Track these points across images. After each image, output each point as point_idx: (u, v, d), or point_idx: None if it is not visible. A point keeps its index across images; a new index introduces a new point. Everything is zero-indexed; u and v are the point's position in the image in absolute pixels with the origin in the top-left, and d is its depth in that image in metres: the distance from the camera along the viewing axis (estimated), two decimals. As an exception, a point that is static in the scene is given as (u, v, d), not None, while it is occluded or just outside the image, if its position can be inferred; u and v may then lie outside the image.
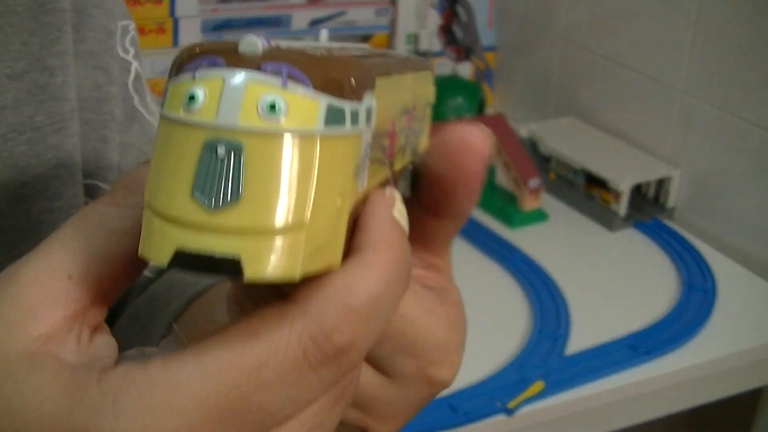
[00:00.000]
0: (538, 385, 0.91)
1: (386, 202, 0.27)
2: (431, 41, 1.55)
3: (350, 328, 0.24)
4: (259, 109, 0.23)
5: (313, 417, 0.26)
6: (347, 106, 0.25)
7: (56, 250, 0.26)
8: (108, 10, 0.54)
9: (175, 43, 1.35)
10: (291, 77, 0.24)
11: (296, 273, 0.23)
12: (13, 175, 0.46)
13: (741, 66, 1.15)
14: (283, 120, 0.23)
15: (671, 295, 1.08)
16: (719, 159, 1.20)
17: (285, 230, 0.23)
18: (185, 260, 0.23)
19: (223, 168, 0.23)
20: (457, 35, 1.57)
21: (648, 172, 1.25)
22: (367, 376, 0.34)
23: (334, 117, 0.24)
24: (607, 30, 1.35)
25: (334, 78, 0.25)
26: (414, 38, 1.54)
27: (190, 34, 1.36)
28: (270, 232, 0.23)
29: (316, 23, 1.45)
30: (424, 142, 0.37)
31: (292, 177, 0.23)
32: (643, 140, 1.31)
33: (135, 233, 0.25)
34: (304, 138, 0.24)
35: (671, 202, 1.26)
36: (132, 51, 0.56)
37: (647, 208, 1.26)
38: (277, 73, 0.24)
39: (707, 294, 1.08)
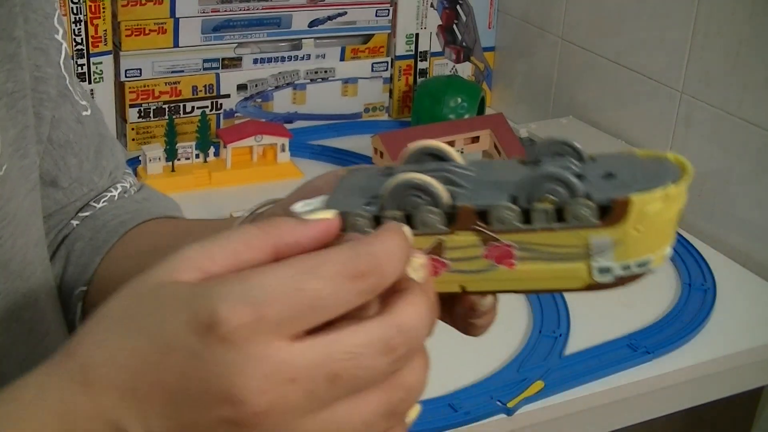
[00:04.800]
0: (537, 385, 0.91)
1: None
2: (431, 41, 1.55)
3: (375, 259, 0.36)
4: None
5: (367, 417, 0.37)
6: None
7: (212, 241, 0.37)
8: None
9: (176, 43, 1.36)
10: None
11: None
12: None
13: (741, 66, 1.15)
14: None
15: (671, 295, 1.08)
16: (719, 159, 1.20)
17: None
18: None
19: None
20: (457, 35, 1.57)
21: (648, 172, 1.25)
22: None
23: None
24: (607, 30, 1.36)
25: None
26: (414, 38, 1.54)
27: (191, 34, 1.36)
28: None
29: (316, 23, 1.45)
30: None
31: None
32: (643, 140, 1.31)
33: (262, 254, 0.37)
34: None
35: (671, 202, 1.25)
36: (61, 31, 0.60)
37: (647, 208, 1.25)
38: None
39: (707, 294, 1.08)
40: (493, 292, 0.44)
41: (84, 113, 0.64)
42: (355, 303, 0.35)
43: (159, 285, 0.36)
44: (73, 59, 1.30)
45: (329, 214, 0.39)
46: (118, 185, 0.68)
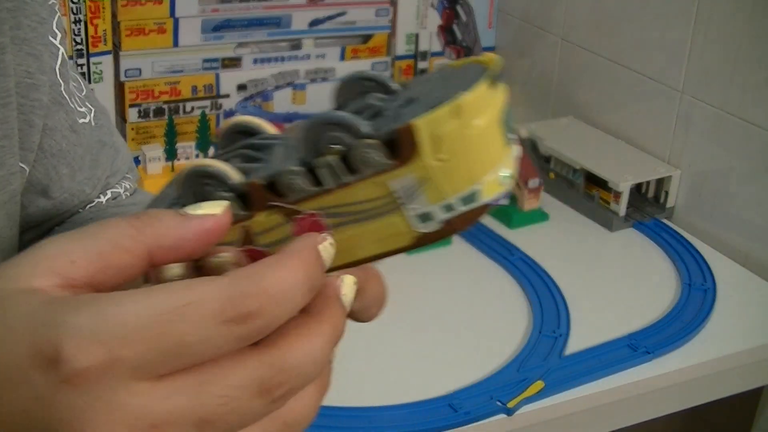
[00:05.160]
0: (537, 385, 0.91)
1: (318, 237, 0.34)
2: (431, 41, 1.55)
3: (258, 301, 0.31)
4: None
5: None
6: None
7: (75, 240, 0.32)
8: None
9: (176, 43, 1.35)
10: None
11: None
12: None
13: (741, 66, 1.15)
14: None
15: (671, 295, 1.08)
16: (719, 159, 1.20)
17: None
18: None
19: None
20: (457, 35, 1.57)
21: (648, 172, 1.25)
22: None
23: None
24: (607, 30, 1.36)
25: None
26: (414, 38, 1.54)
27: (191, 34, 1.36)
28: None
29: (316, 23, 1.45)
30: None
31: None
32: (643, 140, 1.31)
33: (134, 258, 0.32)
34: None
35: (671, 202, 1.26)
36: (59, 35, 0.57)
37: (647, 208, 1.26)
38: None
39: (707, 294, 1.08)
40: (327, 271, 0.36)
41: (81, 120, 0.61)
42: (232, 348, 0.31)
43: (10, 293, 0.31)
44: (72, 59, 1.30)
45: (218, 208, 0.34)
46: (109, 192, 0.65)
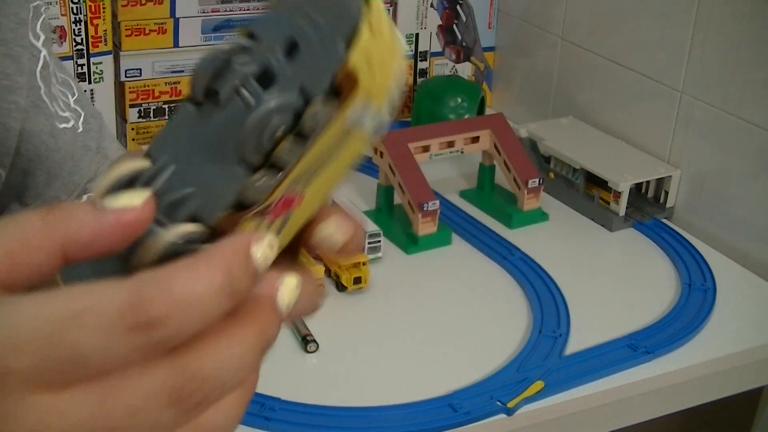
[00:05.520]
0: (537, 385, 0.91)
1: (251, 237, 0.31)
2: (431, 41, 1.55)
3: (164, 307, 0.28)
4: None
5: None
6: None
7: None
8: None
9: (176, 43, 1.35)
10: None
11: None
12: None
13: (741, 66, 1.15)
14: None
15: (671, 295, 1.08)
16: (719, 159, 1.20)
17: None
18: None
19: None
20: (457, 35, 1.57)
21: (647, 172, 1.25)
22: None
23: None
24: (607, 30, 1.36)
25: None
26: (414, 38, 1.54)
27: (191, 34, 1.36)
28: None
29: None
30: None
31: None
32: (643, 140, 1.31)
33: (46, 256, 0.30)
34: None
35: (671, 202, 1.26)
36: (42, 37, 0.55)
37: (647, 208, 1.26)
38: None
39: (707, 294, 1.08)
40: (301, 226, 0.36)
41: (63, 125, 0.59)
42: (139, 358, 0.28)
43: None
44: (72, 59, 1.30)
45: (137, 199, 0.31)
46: (85, 196, 0.63)
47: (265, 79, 0.33)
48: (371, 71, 0.33)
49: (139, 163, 0.33)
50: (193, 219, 0.33)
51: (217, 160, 0.33)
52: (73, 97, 0.61)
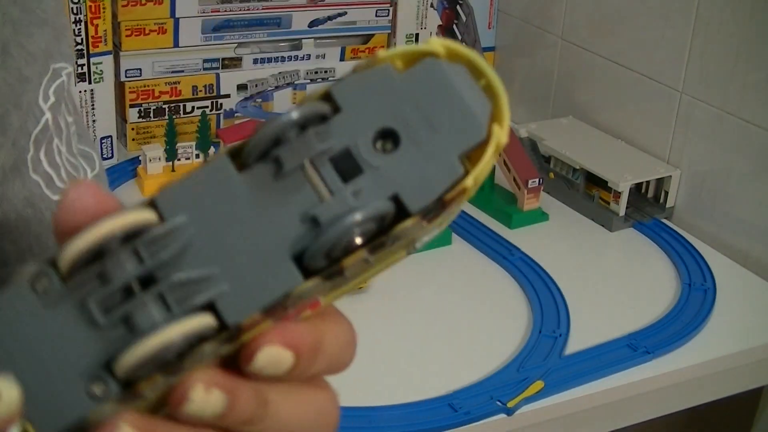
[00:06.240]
0: (537, 385, 0.91)
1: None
2: (431, 41, 1.55)
3: None
4: None
5: None
6: None
7: None
8: (31, 54, 0.49)
9: (176, 43, 1.35)
10: None
11: None
12: None
13: (741, 66, 1.15)
14: None
15: (671, 295, 1.08)
16: (719, 159, 1.20)
17: None
18: None
19: None
20: (457, 35, 1.57)
21: (647, 172, 1.25)
22: None
23: None
24: (607, 30, 1.36)
25: None
26: (414, 38, 1.54)
27: (191, 34, 1.36)
28: None
29: (316, 23, 1.45)
30: None
31: None
32: (643, 140, 1.31)
33: None
34: None
35: (671, 202, 1.26)
36: (52, 100, 0.50)
37: (647, 208, 1.26)
38: None
39: (707, 294, 1.08)
40: None
41: (54, 197, 0.52)
42: None
43: None
44: (72, 59, 1.30)
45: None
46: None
47: (344, 165, 0.28)
48: (468, 197, 0.28)
49: (141, 215, 0.27)
50: (204, 308, 0.27)
51: (262, 249, 0.27)
52: (92, 172, 0.56)
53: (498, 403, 0.89)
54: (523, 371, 0.93)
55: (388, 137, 0.28)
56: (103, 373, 0.27)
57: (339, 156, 0.28)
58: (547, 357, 0.96)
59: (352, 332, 0.31)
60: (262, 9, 1.40)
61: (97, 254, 0.27)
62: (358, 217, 0.26)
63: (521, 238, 1.19)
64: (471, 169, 0.28)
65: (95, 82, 1.34)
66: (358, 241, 0.27)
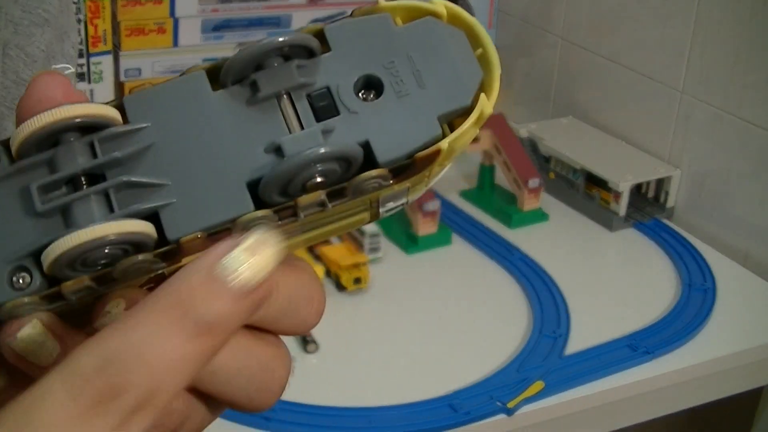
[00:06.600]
0: (537, 385, 0.91)
1: (212, 254, 0.25)
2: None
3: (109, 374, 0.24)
4: None
5: None
6: None
7: None
8: (30, 55, 0.49)
9: (175, 43, 1.35)
10: None
11: None
12: None
13: (741, 66, 1.15)
14: None
15: (671, 295, 1.08)
16: (719, 159, 1.20)
17: None
18: None
19: None
20: (457, 35, 1.57)
21: (648, 172, 1.25)
22: None
23: None
24: (607, 30, 1.35)
25: None
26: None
27: (190, 34, 1.36)
28: None
29: (315, 23, 1.45)
30: None
31: None
32: (643, 140, 1.31)
33: None
34: None
35: (671, 202, 1.26)
36: None
37: (647, 208, 1.26)
38: None
39: (707, 294, 1.08)
40: None
41: None
42: None
43: None
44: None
45: None
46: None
47: (320, 103, 0.27)
48: (443, 162, 0.28)
49: (105, 110, 0.26)
50: (148, 218, 0.26)
51: (219, 169, 0.26)
52: None
53: (498, 403, 0.89)
54: (523, 371, 0.93)
55: (372, 88, 0.27)
56: (29, 263, 0.26)
57: (317, 94, 0.27)
58: (547, 357, 0.95)
59: (315, 288, 0.28)
60: (262, 9, 1.40)
61: (53, 143, 0.26)
62: (321, 150, 0.26)
63: (521, 238, 1.19)
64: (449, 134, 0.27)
65: (95, 82, 1.34)
66: (318, 179, 0.26)
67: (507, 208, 1.23)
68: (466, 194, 1.29)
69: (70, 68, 0.52)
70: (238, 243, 0.25)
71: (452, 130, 0.28)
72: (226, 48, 1.40)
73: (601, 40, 1.36)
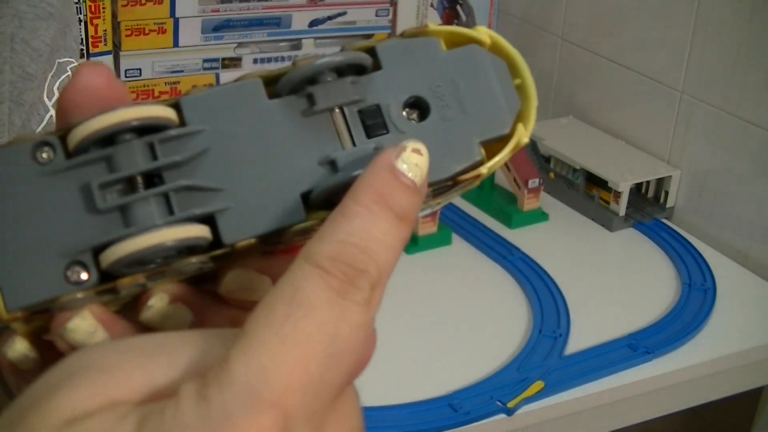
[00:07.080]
0: (537, 385, 0.91)
1: (387, 153, 0.27)
2: (431, 41, 1.55)
3: (353, 256, 0.26)
4: None
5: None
6: None
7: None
8: (35, 50, 0.49)
9: (175, 43, 1.35)
10: None
11: None
12: None
13: (741, 66, 1.15)
14: None
15: (671, 295, 1.08)
16: (719, 159, 1.20)
17: None
18: None
19: None
20: (457, 35, 1.57)
21: (647, 172, 1.25)
22: None
23: None
24: (607, 30, 1.36)
25: None
26: (414, 38, 1.54)
27: (190, 34, 1.36)
28: None
29: (316, 23, 1.45)
30: None
31: None
32: (643, 140, 1.31)
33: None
34: None
35: (671, 202, 1.26)
36: (56, 96, 0.50)
37: (647, 208, 1.26)
38: None
39: (707, 294, 1.08)
40: None
41: None
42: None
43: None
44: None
45: None
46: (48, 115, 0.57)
47: (371, 120, 0.28)
48: (473, 184, 0.30)
49: (164, 111, 0.27)
50: (203, 221, 0.27)
51: (275, 177, 0.27)
52: None
53: (498, 403, 0.89)
54: (523, 371, 0.93)
55: (418, 108, 0.29)
56: (87, 259, 0.26)
57: (369, 111, 0.28)
58: (547, 357, 0.95)
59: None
60: (262, 9, 1.40)
61: (108, 141, 0.27)
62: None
63: (521, 238, 1.19)
64: (486, 158, 0.29)
65: (95, 82, 1.34)
66: None
67: (507, 208, 1.23)
68: (465, 194, 1.30)
69: (74, 63, 0.52)
70: (405, 146, 0.27)
71: (487, 153, 0.29)
72: (226, 48, 1.40)
73: (601, 40, 1.37)
